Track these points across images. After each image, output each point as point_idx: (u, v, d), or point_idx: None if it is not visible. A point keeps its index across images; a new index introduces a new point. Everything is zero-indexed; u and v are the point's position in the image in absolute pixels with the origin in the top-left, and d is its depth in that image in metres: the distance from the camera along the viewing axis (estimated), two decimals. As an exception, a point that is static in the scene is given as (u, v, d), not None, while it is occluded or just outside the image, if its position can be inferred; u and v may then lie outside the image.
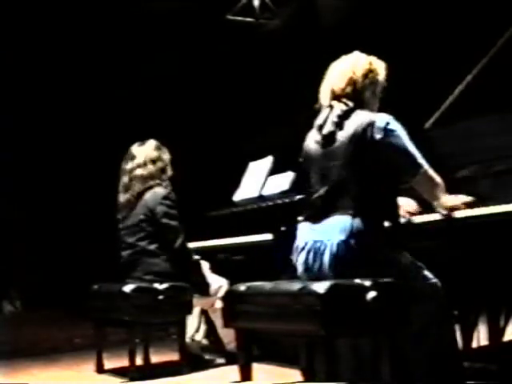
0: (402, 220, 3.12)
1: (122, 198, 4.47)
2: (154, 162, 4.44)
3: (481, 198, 2.99)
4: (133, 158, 4.47)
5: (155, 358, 4.44)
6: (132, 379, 4.09)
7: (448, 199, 2.98)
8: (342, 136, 2.95)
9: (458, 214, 2.97)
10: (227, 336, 4.30)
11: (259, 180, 4.82)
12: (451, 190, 3.00)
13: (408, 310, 2.78)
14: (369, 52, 3.12)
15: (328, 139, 3.00)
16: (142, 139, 4.55)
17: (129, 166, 4.46)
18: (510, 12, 3.93)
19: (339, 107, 3.01)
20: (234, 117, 7.63)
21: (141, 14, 7.36)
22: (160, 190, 4.38)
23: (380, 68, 3.11)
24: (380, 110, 3.05)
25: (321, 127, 3.04)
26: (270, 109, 7.30)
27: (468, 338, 3.39)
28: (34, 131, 7.45)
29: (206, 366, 4.42)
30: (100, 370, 4.43)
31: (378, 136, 2.89)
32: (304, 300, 2.71)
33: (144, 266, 4.32)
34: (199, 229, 4.82)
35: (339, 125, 2.98)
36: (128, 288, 4.18)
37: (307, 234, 2.99)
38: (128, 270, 4.38)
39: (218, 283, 4.45)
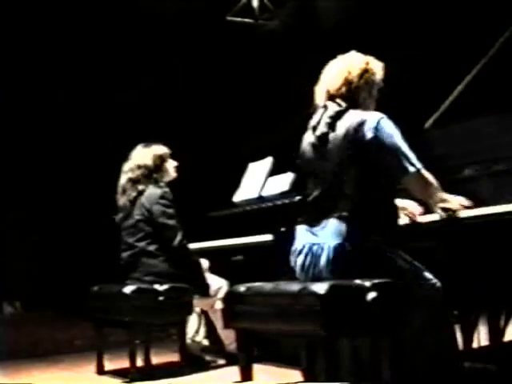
0: (404, 221, 3.12)
1: (121, 200, 4.49)
2: (139, 167, 4.45)
3: (481, 199, 2.99)
4: (129, 159, 4.51)
5: (156, 359, 4.43)
6: (132, 380, 4.09)
7: (445, 198, 2.93)
8: (334, 137, 2.93)
9: (459, 215, 2.97)
10: (228, 337, 4.31)
11: (259, 181, 4.82)
12: (451, 190, 3.00)
13: (407, 311, 2.78)
14: (367, 53, 3.12)
15: (321, 140, 2.98)
16: (143, 141, 4.56)
17: (125, 167, 4.50)
18: (508, 12, 3.93)
19: (332, 108, 2.99)
20: (234, 118, 7.63)
21: (139, 15, 7.35)
22: (156, 190, 4.38)
23: (377, 68, 3.07)
24: (379, 111, 3.03)
25: (314, 128, 3.03)
26: (269, 110, 7.30)
27: (468, 338, 3.39)
28: (33, 130, 7.44)
29: (206, 367, 4.42)
30: (100, 371, 4.43)
31: (368, 135, 2.85)
32: (304, 300, 2.71)
33: (144, 267, 4.32)
34: (200, 229, 4.82)
35: (332, 126, 2.95)
36: (128, 289, 4.18)
37: (304, 236, 2.98)
38: (128, 271, 4.38)
39: (218, 284, 4.45)
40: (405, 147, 2.86)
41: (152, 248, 4.32)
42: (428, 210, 3.06)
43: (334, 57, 3.15)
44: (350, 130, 2.88)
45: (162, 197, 4.36)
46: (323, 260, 2.87)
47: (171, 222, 4.32)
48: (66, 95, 7.49)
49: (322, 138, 2.98)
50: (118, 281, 4.39)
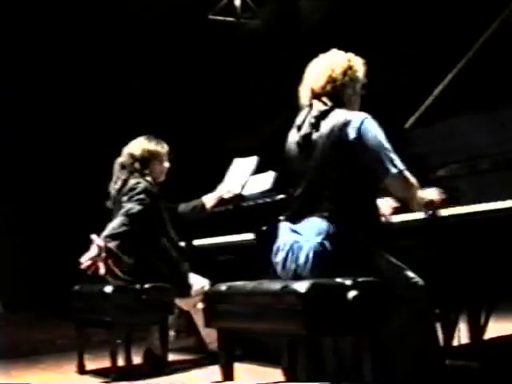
0: (381, 220, 3.13)
1: (111, 186, 4.48)
2: (128, 154, 4.45)
3: (460, 197, 3.01)
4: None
5: (137, 359, 4.42)
6: (114, 380, 4.08)
7: (424, 194, 2.95)
8: (318, 137, 2.94)
9: (440, 213, 2.99)
10: (209, 336, 4.30)
11: (242, 179, 4.80)
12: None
13: (388, 309, 2.79)
14: (349, 52, 3.13)
15: (305, 140, 2.99)
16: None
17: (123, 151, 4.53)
18: (488, 14, 3.96)
19: (317, 107, 2.99)
20: (216, 116, 7.63)
21: (122, 14, 7.34)
22: (131, 181, 4.36)
23: (358, 64, 3.07)
24: (361, 110, 3.04)
25: (299, 127, 3.04)
26: (250, 109, 7.30)
27: (449, 336, 3.41)
28: (22, 127, 7.41)
29: (188, 367, 4.42)
30: (82, 371, 4.41)
31: (352, 135, 2.86)
32: (285, 299, 2.71)
33: (124, 266, 4.30)
34: (180, 228, 4.80)
35: (316, 126, 2.96)
36: (109, 288, 4.17)
37: (286, 234, 2.98)
38: (111, 265, 4.35)
39: (200, 283, 4.44)
40: (388, 148, 2.86)
41: (133, 247, 4.29)
42: (403, 210, 3.09)
43: (315, 56, 3.16)
44: (335, 129, 2.88)
45: (131, 189, 4.31)
46: (303, 258, 2.87)
47: (130, 205, 4.23)
48: (54, 93, 7.46)
49: (306, 138, 2.98)
50: (100, 279, 4.38)
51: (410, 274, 2.89)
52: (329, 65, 3.04)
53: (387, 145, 2.87)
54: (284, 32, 7.45)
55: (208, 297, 3.19)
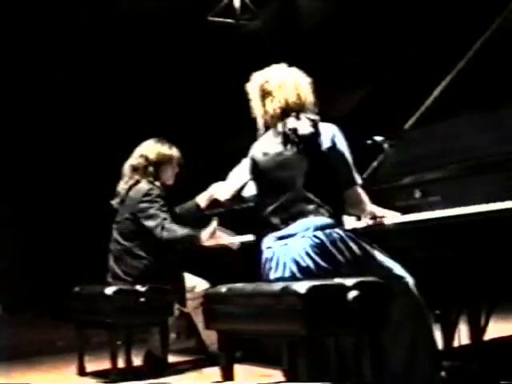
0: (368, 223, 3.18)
1: (120, 186, 4.49)
2: (141, 156, 4.47)
3: (459, 198, 3.02)
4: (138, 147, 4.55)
5: (137, 360, 4.42)
6: (114, 381, 4.08)
7: (375, 209, 3.11)
8: (289, 150, 3.01)
9: (439, 214, 2.99)
10: (210, 337, 4.30)
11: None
12: (430, 190, 3.04)
13: (388, 308, 2.80)
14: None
15: (275, 153, 3.05)
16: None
17: (133, 154, 4.53)
18: (488, 14, 3.96)
19: (288, 121, 3.05)
20: (216, 116, 7.63)
21: (121, 14, 7.34)
22: (143, 186, 4.37)
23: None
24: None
25: (268, 140, 3.10)
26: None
27: (449, 337, 3.40)
28: (22, 127, 7.41)
29: (188, 368, 4.42)
30: (82, 372, 4.41)
31: (326, 145, 2.98)
32: (285, 300, 2.72)
33: (127, 267, 4.31)
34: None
35: (288, 139, 3.02)
36: (109, 290, 4.17)
37: (272, 243, 3.02)
38: (113, 266, 4.36)
39: (202, 286, 4.44)
40: (351, 161, 3.03)
41: (136, 249, 4.31)
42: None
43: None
44: (308, 140, 2.99)
45: (146, 194, 4.33)
46: (299, 254, 2.90)
47: (151, 223, 4.29)
48: (54, 93, 7.46)
49: (278, 150, 3.05)
50: (100, 280, 4.38)
51: (399, 270, 2.94)
52: (296, 81, 3.13)
53: (350, 158, 3.03)
54: (284, 33, 7.44)
55: (208, 298, 3.18)
